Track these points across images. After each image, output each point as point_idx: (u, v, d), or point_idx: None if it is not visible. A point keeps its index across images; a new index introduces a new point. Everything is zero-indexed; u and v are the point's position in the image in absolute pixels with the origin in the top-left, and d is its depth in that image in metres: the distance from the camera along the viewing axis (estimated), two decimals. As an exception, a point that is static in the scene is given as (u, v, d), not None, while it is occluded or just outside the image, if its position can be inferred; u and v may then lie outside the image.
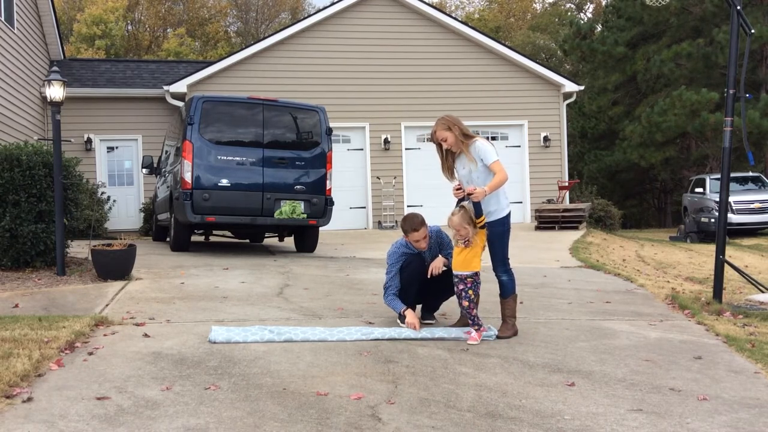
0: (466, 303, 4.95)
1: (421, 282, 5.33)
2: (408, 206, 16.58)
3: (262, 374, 4.01)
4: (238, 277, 7.51)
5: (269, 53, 16.40)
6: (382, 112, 16.74)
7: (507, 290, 5.19)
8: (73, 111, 15.52)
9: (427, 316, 5.59)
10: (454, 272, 4.98)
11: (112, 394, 3.61)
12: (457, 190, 5.00)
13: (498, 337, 5.03)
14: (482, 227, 4.92)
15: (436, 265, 5.20)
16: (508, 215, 5.17)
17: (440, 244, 5.37)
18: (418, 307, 5.60)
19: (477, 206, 4.92)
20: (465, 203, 4.93)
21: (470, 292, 4.93)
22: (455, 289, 4.99)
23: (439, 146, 5.17)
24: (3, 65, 13.15)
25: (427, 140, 17.01)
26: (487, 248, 5.14)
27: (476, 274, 4.95)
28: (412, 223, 5.20)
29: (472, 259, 4.92)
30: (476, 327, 4.93)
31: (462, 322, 5.30)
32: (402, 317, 5.19)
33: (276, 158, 9.64)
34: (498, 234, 5.11)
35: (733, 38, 6.57)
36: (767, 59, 22.17)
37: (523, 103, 17.37)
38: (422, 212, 5.13)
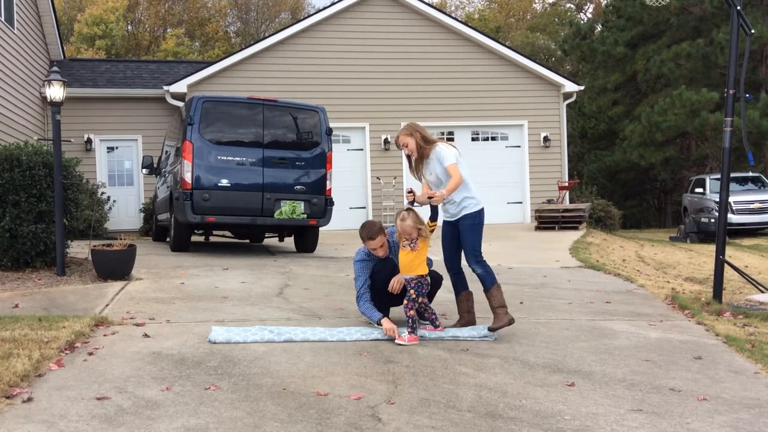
0: (405, 301, 4.94)
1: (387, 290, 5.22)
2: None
3: (262, 374, 4.01)
4: (238, 277, 7.51)
5: (269, 53, 16.40)
6: (382, 112, 16.73)
7: (485, 283, 5.13)
8: (73, 111, 15.51)
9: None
10: (401, 275, 5.00)
11: (112, 394, 3.61)
12: (408, 193, 5.03)
13: (490, 329, 4.99)
14: (431, 231, 4.94)
15: (396, 281, 5.08)
16: (480, 211, 5.15)
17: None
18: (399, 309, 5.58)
19: (434, 210, 4.99)
20: (413, 206, 4.98)
21: (411, 291, 4.92)
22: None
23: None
24: (3, 65, 13.15)
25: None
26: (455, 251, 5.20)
27: (422, 276, 4.95)
28: (369, 231, 5.11)
29: (419, 265, 4.93)
30: (408, 329, 4.84)
31: (461, 323, 5.29)
32: (379, 325, 5.01)
33: (276, 158, 9.63)
34: (468, 226, 5.11)
35: (733, 38, 6.57)
36: (767, 59, 22.17)
37: (523, 103, 17.36)
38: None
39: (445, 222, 5.31)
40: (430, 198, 4.95)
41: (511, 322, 5.02)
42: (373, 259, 5.25)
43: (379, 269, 5.23)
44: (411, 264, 4.94)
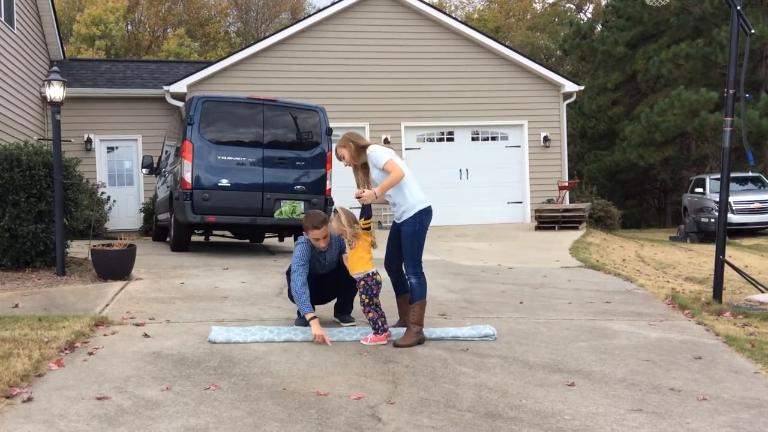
0: (361, 306, 4.90)
1: (315, 283, 5.18)
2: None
3: (262, 374, 4.01)
4: (238, 277, 7.51)
5: (269, 53, 16.40)
6: (382, 112, 16.73)
7: (413, 295, 4.91)
8: (73, 111, 15.51)
9: (345, 318, 5.48)
10: (351, 274, 4.99)
11: (112, 394, 3.61)
12: (358, 198, 5.02)
13: (395, 345, 4.73)
14: (366, 228, 4.91)
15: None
16: (420, 213, 4.93)
17: (341, 243, 5.25)
18: (332, 303, 5.58)
19: (366, 208, 4.95)
20: (338, 207, 4.99)
21: (363, 296, 4.87)
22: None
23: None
24: (3, 65, 13.15)
25: (428, 140, 17.03)
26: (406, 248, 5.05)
27: (368, 275, 4.87)
28: (314, 220, 4.99)
29: (359, 261, 4.88)
30: (374, 331, 4.84)
31: (400, 324, 5.20)
32: (303, 320, 4.95)
33: (276, 158, 9.64)
34: (408, 233, 4.92)
35: (733, 38, 6.57)
36: (767, 59, 22.16)
37: (523, 103, 17.36)
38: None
39: (393, 222, 5.20)
40: (358, 198, 4.88)
41: (419, 342, 4.79)
42: (311, 252, 5.15)
43: (316, 259, 5.18)
44: (351, 261, 4.94)
